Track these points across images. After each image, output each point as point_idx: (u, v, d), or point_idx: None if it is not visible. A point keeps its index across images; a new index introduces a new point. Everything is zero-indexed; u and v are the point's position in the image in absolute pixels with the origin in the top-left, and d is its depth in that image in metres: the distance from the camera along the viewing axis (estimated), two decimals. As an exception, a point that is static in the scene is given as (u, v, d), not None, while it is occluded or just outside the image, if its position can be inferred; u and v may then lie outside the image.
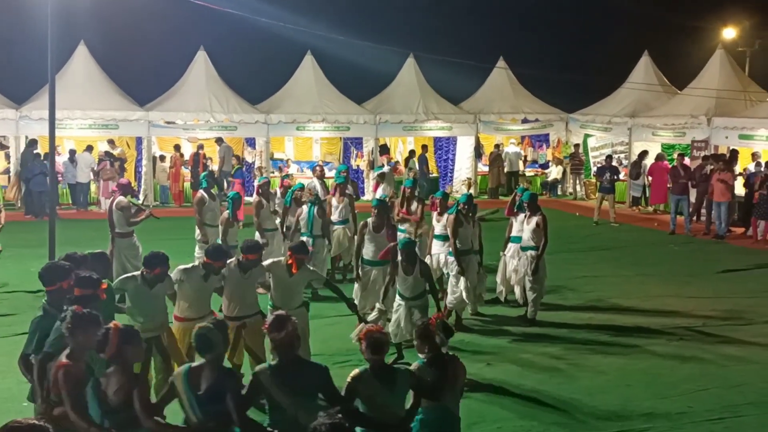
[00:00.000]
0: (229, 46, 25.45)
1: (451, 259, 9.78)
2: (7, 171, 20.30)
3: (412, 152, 21.91)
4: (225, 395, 4.40)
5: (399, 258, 8.06)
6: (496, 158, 22.50)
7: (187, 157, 20.95)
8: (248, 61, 27.62)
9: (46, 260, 11.52)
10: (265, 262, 7.60)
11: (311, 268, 8.18)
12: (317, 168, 14.24)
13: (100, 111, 19.74)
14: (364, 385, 4.77)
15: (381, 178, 14.46)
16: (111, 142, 20.55)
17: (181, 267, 7.15)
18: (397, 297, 8.21)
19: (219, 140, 20.55)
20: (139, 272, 6.90)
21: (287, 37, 21.40)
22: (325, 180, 13.67)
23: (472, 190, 22.22)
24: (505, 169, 22.55)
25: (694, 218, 17.72)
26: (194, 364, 4.63)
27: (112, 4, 18.59)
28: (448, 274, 10.06)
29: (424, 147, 22.25)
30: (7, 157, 20.44)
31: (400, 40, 24.59)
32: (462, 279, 9.61)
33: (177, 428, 4.53)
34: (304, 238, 11.20)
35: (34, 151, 18.85)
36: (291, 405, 4.52)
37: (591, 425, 7.02)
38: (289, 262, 7.46)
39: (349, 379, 4.80)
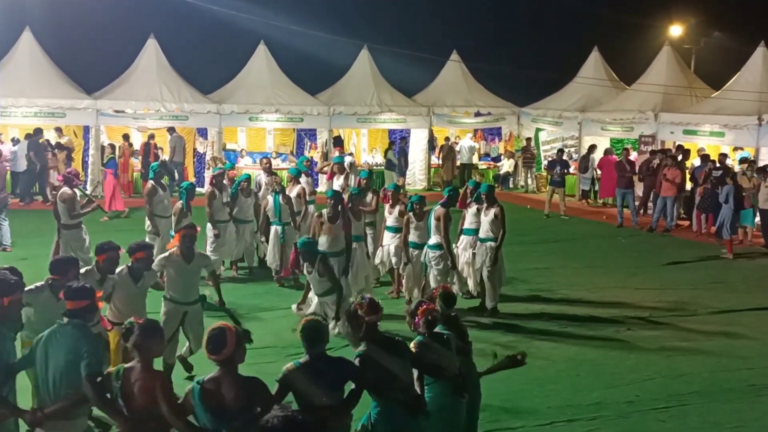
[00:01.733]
0: (180, 35, 25.00)
1: (436, 253, 9.78)
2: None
3: (391, 143, 21.95)
4: (346, 380, 4.77)
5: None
6: (449, 151, 22.64)
7: (137, 146, 20.55)
8: (200, 50, 27.21)
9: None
10: (156, 260, 7.36)
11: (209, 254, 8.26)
12: (263, 160, 14.14)
13: (46, 99, 19.20)
14: (430, 352, 5.32)
15: (350, 168, 14.35)
16: (58, 130, 20.02)
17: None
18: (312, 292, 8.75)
19: (171, 130, 20.21)
20: (44, 282, 6.14)
21: (240, 26, 21.13)
22: (273, 172, 13.53)
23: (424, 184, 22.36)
24: (458, 162, 22.72)
25: (641, 211, 18.15)
26: (302, 360, 4.69)
27: (58, -12, 18.12)
28: (424, 265, 10.09)
29: (403, 139, 22.24)
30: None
31: (354, 32, 24.53)
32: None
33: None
34: (275, 227, 11.34)
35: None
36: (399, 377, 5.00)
37: (542, 414, 7.15)
38: (176, 242, 7.52)
39: (416, 348, 5.27)
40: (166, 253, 7.61)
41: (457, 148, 22.88)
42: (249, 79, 21.49)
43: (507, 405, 7.33)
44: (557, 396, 7.58)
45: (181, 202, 10.71)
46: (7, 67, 18.49)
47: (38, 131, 18.87)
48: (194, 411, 4.34)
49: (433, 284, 9.77)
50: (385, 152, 21.82)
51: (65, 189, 10.68)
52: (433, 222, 9.84)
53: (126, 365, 4.63)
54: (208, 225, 11.49)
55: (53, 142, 19.50)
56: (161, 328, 4.89)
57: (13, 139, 19.22)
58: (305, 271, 8.32)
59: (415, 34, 30.39)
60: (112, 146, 18.86)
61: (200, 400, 4.28)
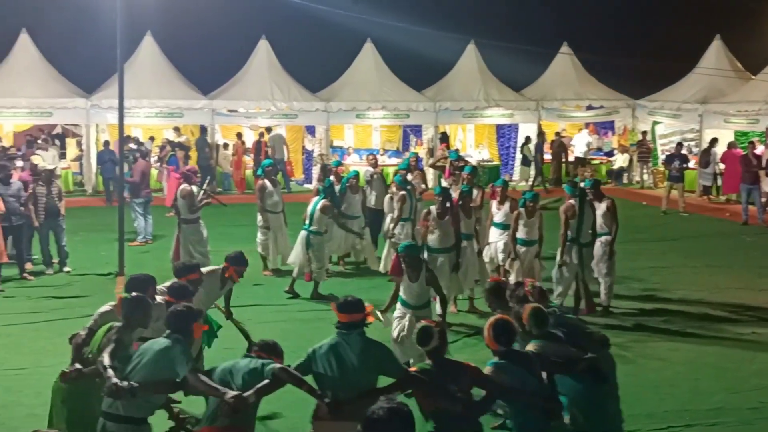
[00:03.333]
0: (289, 35, 25.61)
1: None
2: (79, 158, 20.90)
3: (527, 138, 21.72)
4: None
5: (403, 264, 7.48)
6: (559, 146, 22.10)
7: (249, 144, 21.23)
8: (309, 50, 27.75)
9: (115, 244, 11.91)
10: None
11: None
12: (370, 156, 14.26)
13: (165, 100, 20.10)
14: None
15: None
16: (176, 129, 20.97)
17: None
18: (399, 305, 7.57)
19: (268, 129, 20.86)
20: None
21: (347, 25, 21.40)
22: (380, 169, 13.61)
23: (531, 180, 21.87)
24: (572, 157, 22.15)
25: (768, 208, 17.06)
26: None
27: (177, -6, 18.89)
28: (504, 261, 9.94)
29: (542, 134, 21.93)
30: (79, 144, 21.05)
31: (461, 27, 24.32)
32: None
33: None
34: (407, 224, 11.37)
35: (104, 140, 19.42)
36: None
37: (658, 418, 6.83)
38: (227, 275, 7.07)
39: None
40: (208, 269, 7.19)
41: (573, 142, 22.31)
42: (356, 77, 21.75)
43: (623, 407, 7.02)
44: (674, 399, 7.22)
45: (321, 199, 10.83)
46: (131, 71, 19.42)
47: (204, 129, 19.94)
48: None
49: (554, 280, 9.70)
50: (522, 148, 21.55)
51: (184, 185, 11.16)
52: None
53: (423, 366, 4.92)
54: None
55: (174, 141, 20.45)
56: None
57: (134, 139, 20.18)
58: (406, 279, 7.47)
59: (524, 27, 29.78)
60: (172, 144, 19.43)
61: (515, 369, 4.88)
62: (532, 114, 22.25)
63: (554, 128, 23.29)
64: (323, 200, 10.78)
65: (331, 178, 12.12)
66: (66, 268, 12.06)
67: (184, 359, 4.85)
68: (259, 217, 11.77)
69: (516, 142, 22.86)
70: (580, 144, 22.34)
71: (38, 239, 12.03)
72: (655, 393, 7.40)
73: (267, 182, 11.79)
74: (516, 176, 22.11)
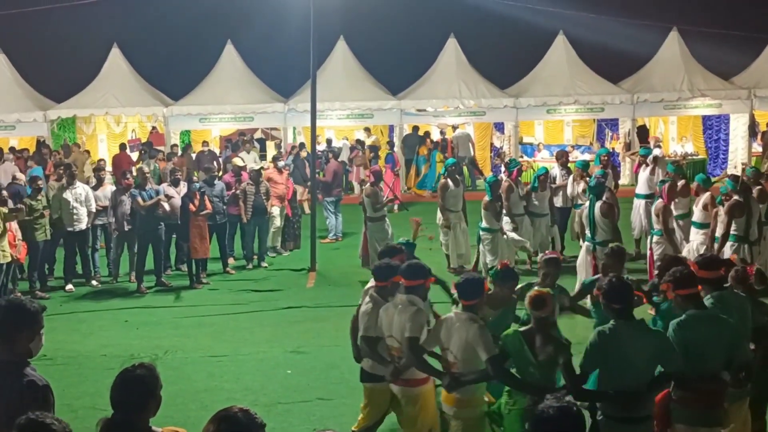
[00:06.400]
0: (478, 32, 25.39)
1: None
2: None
3: None
4: None
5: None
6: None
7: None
8: (497, 46, 27.40)
9: (309, 241, 12.38)
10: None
11: None
12: (559, 153, 13.66)
13: (356, 101, 20.61)
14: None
15: (656, 161, 12.88)
16: (367, 130, 21.51)
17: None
18: None
19: (454, 127, 20.73)
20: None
21: (537, 19, 20.86)
22: (569, 167, 12.93)
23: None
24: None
25: None
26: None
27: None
28: None
29: None
30: (278, 147, 22.26)
31: (662, 14, 22.82)
32: None
33: None
34: None
35: (300, 141, 20.35)
36: None
37: None
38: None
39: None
40: None
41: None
42: (547, 71, 21.08)
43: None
44: None
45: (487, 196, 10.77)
46: (325, 74, 20.23)
47: (416, 129, 20.65)
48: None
49: None
50: None
51: (367, 185, 11.41)
52: None
53: None
54: (505, 218, 11.42)
55: (365, 142, 21.00)
56: None
57: (327, 141, 20.94)
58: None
59: (733, 11, 27.39)
60: (373, 148, 19.48)
61: None
62: (744, 103, 20.33)
63: (769, 118, 21.15)
64: (486, 198, 10.84)
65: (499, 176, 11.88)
66: (263, 264, 12.75)
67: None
68: (439, 216, 11.73)
69: (727, 134, 21.05)
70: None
71: (240, 235, 12.83)
72: None
73: (449, 181, 11.70)
74: (732, 170, 20.32)
